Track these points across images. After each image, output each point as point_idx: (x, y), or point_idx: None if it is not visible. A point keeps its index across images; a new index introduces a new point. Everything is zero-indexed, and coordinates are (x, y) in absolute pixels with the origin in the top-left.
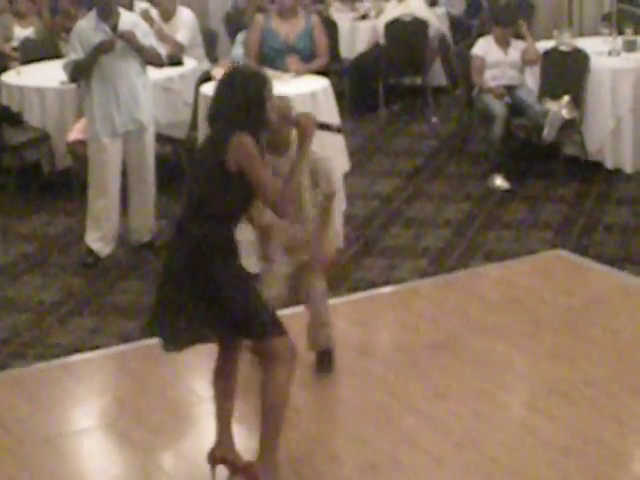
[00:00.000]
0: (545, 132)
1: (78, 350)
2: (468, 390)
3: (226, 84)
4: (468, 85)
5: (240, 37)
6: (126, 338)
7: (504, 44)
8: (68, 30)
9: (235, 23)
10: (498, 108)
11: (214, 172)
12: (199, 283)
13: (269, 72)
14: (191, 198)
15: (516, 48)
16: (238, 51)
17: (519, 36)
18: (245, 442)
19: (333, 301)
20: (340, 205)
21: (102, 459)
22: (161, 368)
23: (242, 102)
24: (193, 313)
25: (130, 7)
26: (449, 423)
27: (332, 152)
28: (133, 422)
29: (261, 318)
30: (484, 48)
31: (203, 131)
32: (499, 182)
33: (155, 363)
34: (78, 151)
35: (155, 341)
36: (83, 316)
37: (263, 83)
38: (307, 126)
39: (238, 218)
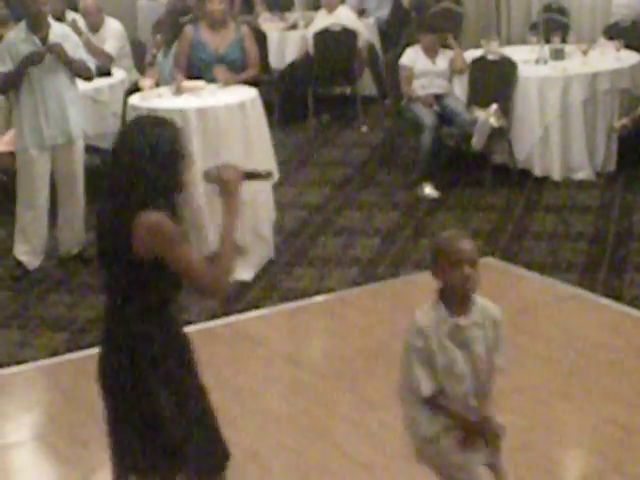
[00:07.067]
0: (474, 140)
1: (6, 364)
2: (398, 399)
3: (124, 143)
4: (397, 94)
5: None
6: (55, 352)
7: (432, 53)
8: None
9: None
10: (427, 117)
11: (121, 263)
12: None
13: (198, 82)
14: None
15: (444, 57)
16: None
17: (446, 46)
18: None
19: (263, 311)
20: (270, 215)
21: (32, 472)
22: (90, 381)
23: (146, 166)
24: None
25: (62, 18)
26: (380, 432)
27: (260, 162)
28: (63, 436)
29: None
30: (412, 58)
31: None
32: (428, 191)
33: (84, 376)
34: (6, 163)
35: (84, 354)
36: (11, 329)
37: (174, 134)
38: (232, 181)
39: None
